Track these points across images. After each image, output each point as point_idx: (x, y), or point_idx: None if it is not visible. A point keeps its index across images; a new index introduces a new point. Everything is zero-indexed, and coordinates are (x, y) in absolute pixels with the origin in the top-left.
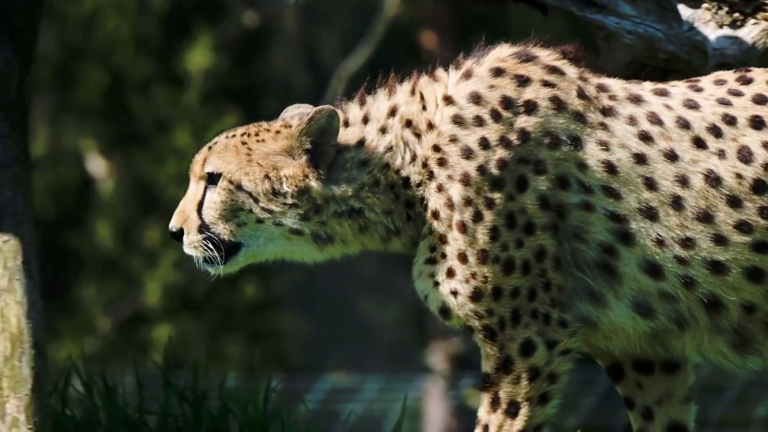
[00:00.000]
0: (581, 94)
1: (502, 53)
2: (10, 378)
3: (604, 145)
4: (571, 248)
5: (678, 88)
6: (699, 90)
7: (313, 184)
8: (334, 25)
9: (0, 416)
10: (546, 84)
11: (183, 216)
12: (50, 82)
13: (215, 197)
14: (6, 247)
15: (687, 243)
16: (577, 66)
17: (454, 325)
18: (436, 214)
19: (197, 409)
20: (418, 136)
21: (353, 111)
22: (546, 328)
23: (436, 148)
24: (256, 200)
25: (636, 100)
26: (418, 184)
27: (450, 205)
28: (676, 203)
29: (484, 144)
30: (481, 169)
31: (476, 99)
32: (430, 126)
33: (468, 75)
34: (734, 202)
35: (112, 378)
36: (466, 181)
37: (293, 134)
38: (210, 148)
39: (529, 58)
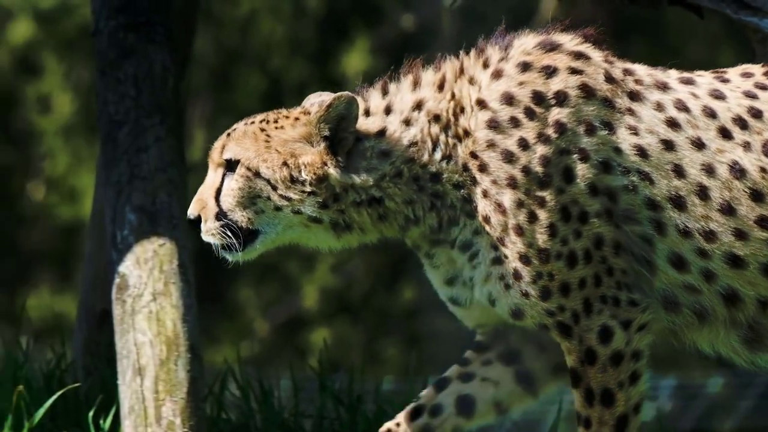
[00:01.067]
0: (609, 78)
1: (527, 45)
2: (165, 381)
3: (634, 130)
4: (627, 232)
5: (704, 78)
6: (725, 81)
7: (332, 171)
8: (491, 27)
9: (156, 419)
10: (573, 71)
11: (201, 203)
12: (207, 85)
13: (233, 184)
14: (162, 250)
15: (710, 235)
16: (600, 49)
17: (527, 326)
18: (487, 219)
19: (353, 413)
20: (451, 134)
21: (375, 100)
22: (618, 310)
23: (474, 155)
24: (275, 187)
25: (662, 86)
26: (457, 185)
27: (502, 210)
28: (702, 193)
29: (524, 144)
30: (526, 170)
31: (509, 100)
32: (466, 133)
33: (498, 75)
34: (757, 196)
35: (268, 381)
36: (513, 184)
37: (312, 121)
38: (229, 134)
39: (553, 47)
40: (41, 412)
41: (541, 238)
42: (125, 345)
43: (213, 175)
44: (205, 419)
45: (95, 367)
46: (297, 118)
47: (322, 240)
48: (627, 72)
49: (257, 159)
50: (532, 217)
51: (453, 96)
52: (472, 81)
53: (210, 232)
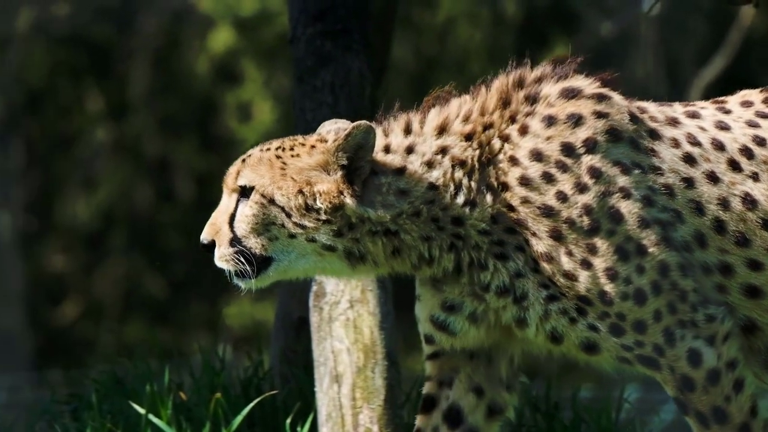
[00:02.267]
0: (633, 118)
1: (550, 94)
2: (363, 389)
3: (659, 170)
4: (684, 259)
5: (707, 110)
6: (727, 112)
7: (348, 201)
8: (690, 34)
9: (353, 427)
10: (599, 116)
11: (215, 228)
12: (405, 92)
13: (247, 210)
14: None
15: (727, 269)
16: (615, 90)
17: (605, 362)
18: (536, 269)
19: (550, 420)
20: (476, 180)
21: (396, 138)
22: (699, 330)
23: (511, 208)
24: (289, 215)
25: (673, 122)
26: (483, 232)
27: (549, 259)
28: (720, 227)
29: (562, 198)
30: (570, 222)
31: (538, 156)
32: (505, 186)
33: (524, 131)
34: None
35: None
36: (557, 236)
37: (329, 149)
38: (244, 160)
39: (574, 94)
40: (239, 419)
41: (602, 281)
42: (322, 352)
43: (227, 201)
44: (403, 426)
45: (292, 375)
46: (313, 146)
47: (336, 269)
48: (642, 110)
49: (272, 186)
50: (585, 264)
51: (480, 145)
52: (501, 136)
53: (224, 258)
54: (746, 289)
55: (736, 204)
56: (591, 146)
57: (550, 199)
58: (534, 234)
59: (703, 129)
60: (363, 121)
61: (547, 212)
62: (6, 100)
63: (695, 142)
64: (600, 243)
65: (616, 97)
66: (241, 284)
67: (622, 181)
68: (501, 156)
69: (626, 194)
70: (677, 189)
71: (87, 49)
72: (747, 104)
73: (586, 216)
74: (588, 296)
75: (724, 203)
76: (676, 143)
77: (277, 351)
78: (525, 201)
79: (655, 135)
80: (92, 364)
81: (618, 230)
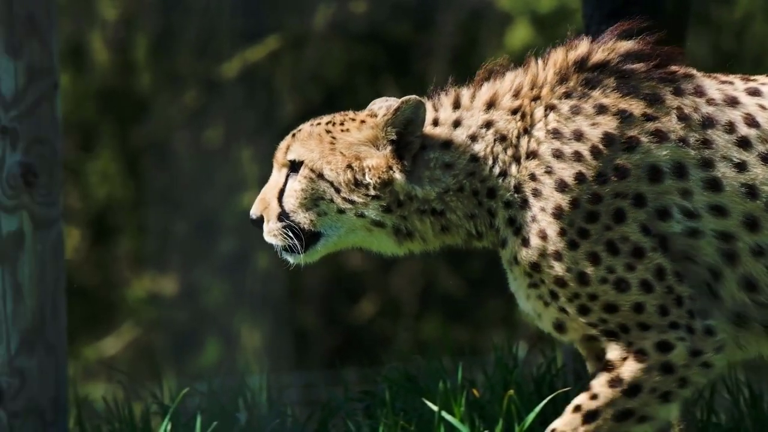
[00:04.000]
0: (681, 116)
1: (608, 86)
2: None
3: (708, 164)
4: (682, 268)
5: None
6: None
7: (397, 176)
8: None
9: None
10: (648, 118)
11: (264, 203)
12: None
13: (296, 185)
14: None
15: None
16: (675, 63)
17: (571, 341)
18: (526, 242)
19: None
20: (513, 156)
21: (445, 112)
22: (691, 337)
23: (533, 177)
24: (338, 190)
25: (732, 102)
26: (507, 203)
27: (543, 236)
28: None
29: (580, 178)
30: (575, 203)
31: (579, 136)
32: (531, 154)
33: (576, 111)
34: None
35: (758, 386)
36: (558, 214)
37: (378, 124)
38: (294, 135)
39: (629, 92)
40: (531, 416)
41: (582, 263)
42: None
43: (277, 176)
44: (695, 422)
45: (585, 372)
46: (363, 121)
47: (384, 245)
48: (698, 92)
49: (321, 161)
50: (572, 245)
51: (523, 117)
52: (548, 107)
53: (272, 233)
54: None
55: None
56: (633, 145)
57: (569, 176)
58: (542, 209)
59: (763, 108)
60: (412, 96)
61: (562, 187)
62: (303, 98)
63: (753, 123)
64: (593, 230)
65: (668, 96)
66: (290, 259)
67: (646, 189)
68: (540, 125)
69: (640, 204)
70: (727, 178)
71: (384, 46)
72: None
73: (590, 203)
74: (564, 277)
75: None
76: (731, 127)
77: (570, 348)
78: (549, 171)
79: (708, 123)
80: (387, 361)
81: (615, 228)
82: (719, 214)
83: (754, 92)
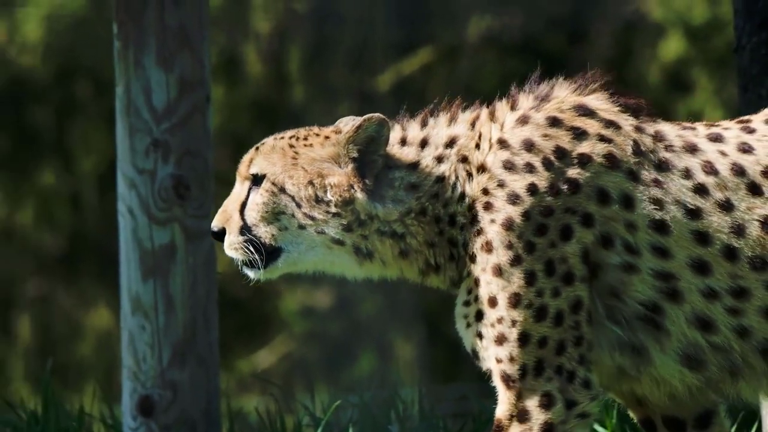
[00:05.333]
0: (637, 151)
1: (562, 104)
2: None
3: (658, 204)
4: (605, 304)
5: (731, 131)
6: (752, 131)
7: (359, 195)
8: None
9: None
10: (602, 139)
11: (225, 215)
12: None
13: (258, 198)
14: None
15: (741, 293)
16: (636, 115)
17: (488, 370)
18: (473, 258)
19: None
20: (470, 175)
21: (413, 131)
22: (568, 386)
23: (485, 192)
24: (299, 205)
25: (691, 149)
26: (461, 227)
27: (489, 249)
28: (731, 254)
29: (533, 190)
30: (526, 215)
31: (529, 146)
32: (483, 168)
33: (524, 121)
34: None
35: None
36: (509, 225)
37: (340, 141)
38: (257, 148)
39: (587, 113)
40: None
41: (518, 282)
42: None
43: (239, 188)
44: None
45: None
46: (327, 137)
47: (345, 266)
48: (657, 138)
49: (283, 175)
50: (516, 260)
51: (480, 136)
52: (495, 120)
53: (233, 246)
54: (765, 311)
55: (753, 229)
56: (584, 162)
57: (522, 188)
58: (492, 221)
59: (723, 154)
60: (376, 114)
61: (513, 200)
62: None
63: (711, 171)
64: (539, 245)
65: (627, 126)
66: (251, 274)
67: (594, 210)
68: (490, 138)
69: (588, 224)
70: (676, 222)
71: (538, 58)
72: None
73: (542, 216)
74: (497, 297)
75: (738, 230)
76: (687, 174)
77: None
78: (501, 185)
79: (663, 166)
80: None
81: (559, 246)
82: (661, 255)
83: (716, 138)
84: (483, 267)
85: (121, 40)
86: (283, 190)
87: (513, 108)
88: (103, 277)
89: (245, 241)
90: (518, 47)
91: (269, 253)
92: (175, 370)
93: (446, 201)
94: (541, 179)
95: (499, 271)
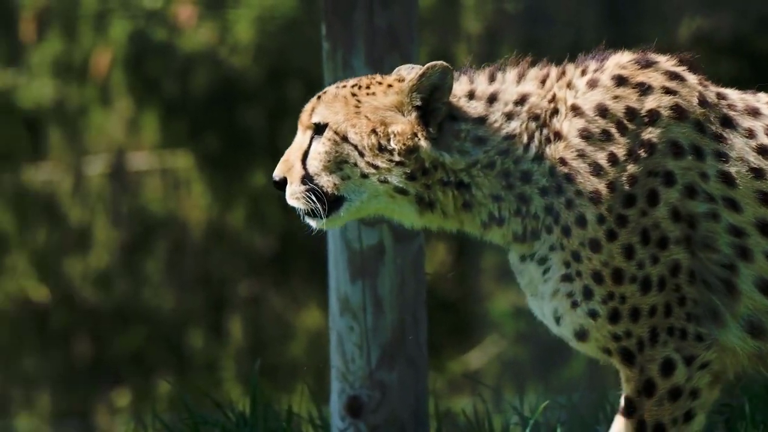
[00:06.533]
0: (702, 101)
1: (621, 59)
2: None
3: (723, 157)
4: (703, 259)
5: None
6: None
7: (422, 143)
8: None
9: None
10: (667, 91)
11: (287, 165)
12: None
13: (320, 147)
14: None
15: None
16: (695, 73)
17: (588, 350)
18: (567, 231)
19: None
20: (546, 138)
21: (481, 85)
22: (683, 344)
23: (563, 162)
24: (362, 154)
25: (754, 112)
26: (543, 190)
27: (582, 223)
28: None
29: (613, 160)
30: (612, 186)
31: (603, 111)
32: (558, 135)
33: (593, 84)
34: None
35: None
36: (597, 199)
37: (403, 89)
38: (319, 97)
39: (648, 64)
40: None
41: (618, 258)
42: None
43: (301, 138)
44: None
45: None
46: (390, 85)
47: (405, 214)
48: (720, 96)
49: (346, 123)
50: (611, 235)
51: (553, 97)
52: (569, 85)
53: (295, 196)
54: None
55: None
56: (654, 118)
57: (603, 159)
58: (578, 193)
59: None
60: (439, 61)
61: (597, 171)
62: None
63: None
64: (631, 217)
65: (691, 78)
66: (313, 224)
67: (672, 165)
68: (565, 104)
69: (670, 180)
70: (741, 178)
71: (750, 59)
72: None
73: (628, 185)
74: (602, 273)
75: None
76: (751, 134)
77: None
78: (581, 155)
79: (728, 122)
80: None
81: (650, 213)
82: (731, 207)
83: None
84: (580, 241)
85: (329, 41)
86: (345, 138)
87: (583, 73)
88: (314, 277)
89: (307, 191)
90: (729, 48)
91: (331, 203)
92: (383, 370)
93: (518, 158)
94: (619, 147)
95: (597, 247)
